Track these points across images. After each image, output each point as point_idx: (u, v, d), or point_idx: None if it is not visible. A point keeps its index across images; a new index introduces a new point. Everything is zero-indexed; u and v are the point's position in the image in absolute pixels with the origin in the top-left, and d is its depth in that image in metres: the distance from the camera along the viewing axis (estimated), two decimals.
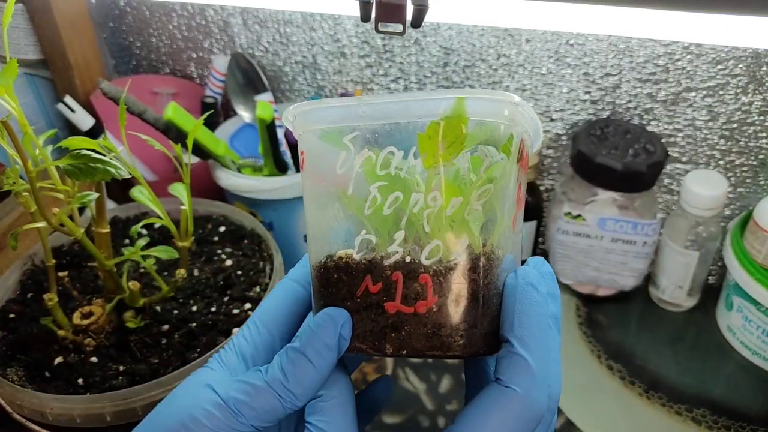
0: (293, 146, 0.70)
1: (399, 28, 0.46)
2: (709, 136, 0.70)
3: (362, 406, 0.37)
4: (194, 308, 0.53)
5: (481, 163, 0.30)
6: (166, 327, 0.51)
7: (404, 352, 0.30)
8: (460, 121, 0.29)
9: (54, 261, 0.48)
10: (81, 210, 0.51)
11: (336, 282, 0.31)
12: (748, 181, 0.71)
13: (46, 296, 0.48)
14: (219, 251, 0.60)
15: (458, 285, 0.29)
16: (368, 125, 0.31)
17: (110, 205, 0.76)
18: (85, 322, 0.49)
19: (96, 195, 0.45)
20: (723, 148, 0.70)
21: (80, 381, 0.47)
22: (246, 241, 0.61)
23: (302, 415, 0.35)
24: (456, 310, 0.29)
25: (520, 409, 0.27)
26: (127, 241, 0.61)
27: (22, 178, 0.43)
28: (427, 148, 0.30)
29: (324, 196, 0.33)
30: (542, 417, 0.28)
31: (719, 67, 0.65)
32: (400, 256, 0.30)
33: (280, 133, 0.72)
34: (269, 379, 0.30)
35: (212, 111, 0.70)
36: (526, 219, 0.73)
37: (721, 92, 0.67)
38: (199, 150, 0.68)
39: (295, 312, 0.35)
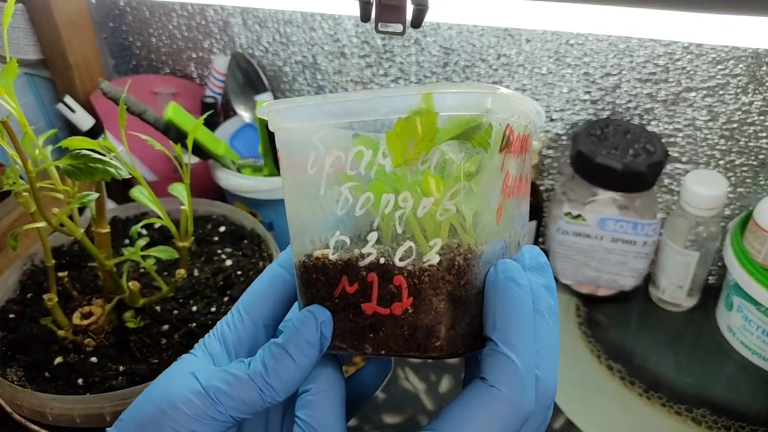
0: None
1: (399, 28, 0.46)
2: (709, 136, 0.70)
3: (356, 388, 0.36)
4: (194, 308, 0.53)
5: (452, 160, 0.28)
6: (166, 327, 0.51)
7: (383, 352, 0.30)
8: (429, 116, 0.28)
9: (54, 261, 0.48)
10: (81, 210, 0.51)
11: (315, 282, 0.31)
12: (748, 181, 0.71)
13: (45, 296, 0.47)
14: (219, 251, 0.60)
15: (433, 286, 0.28)
16: (336, 123, 0.30)
17: (110, 205, 0.76)
18: (85, 322, 0.49)
19: (96, 195, 0.45)
20: (723, 148, 0.70)
21: (80, 381, 0.47)
22: (246, 241, 0.61)
23: (288, 407, 0.35)
24: (432, 312, 0.28)
25: (506, 408, 0.27)
26: (127, 241, 0.60)
27: (22, 178, 0.43)
28: (395, 147, 0.28)
29: (300, 195, 0.32)
30: (529, 415, 0.28)
31: (719, 67, 0.65)
32: (375, 257, 0.29)
33: None
34: (251, 371, 0.30)
35: (212, 111, 0.70)
36: None
37: (721, 92, 0.67)
38: (199, 150, 0.68)
39: (280, 299, 0.34)
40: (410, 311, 0.29)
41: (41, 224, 0.43)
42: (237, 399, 0.30)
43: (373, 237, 0.29)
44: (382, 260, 0.29)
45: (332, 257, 0.30)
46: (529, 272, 0.30)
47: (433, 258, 0.28)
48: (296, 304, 0.35)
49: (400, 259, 0.29)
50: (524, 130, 0.33)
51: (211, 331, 0.35)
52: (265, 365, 0.30)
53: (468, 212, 0.29)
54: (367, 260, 0.29)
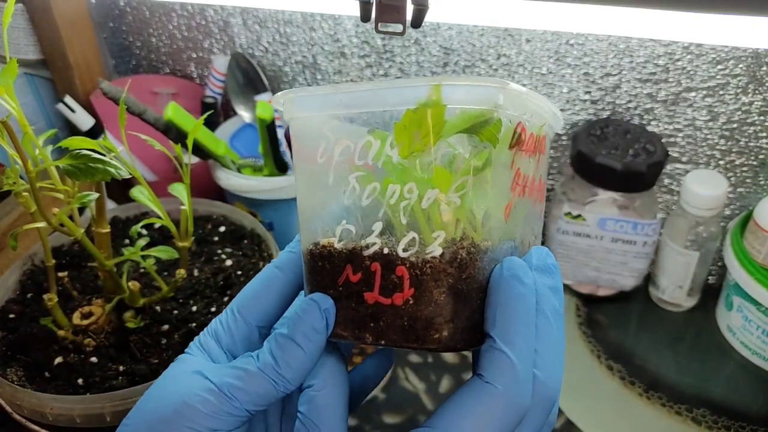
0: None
1: (399, 28, 0.46)
2: (709, 136, 0.70)
3: (357, 382, 0.36)
4: (194, 308, 0.53)
5: (460, 153, 0.28)
6: (166, 327, 0.51)
7: (382, 342, 0.30)
8: (437, 109, 0.28)
9: (54, 261, 0.48)
10: (81, 210, 0.51)
11: (320, 270, 0.31)
12: (748, 181, 0.71)
13: (46, 296, 0.47)
14: (219, 251, 0.60)
15: (434, 278, 0.28)
16: (346, 114, 0.30)
17: (110, 205, 0.76)
18: (85, 322, 0.49)
19: (96, 195, 0.45)
20: (723, 148, 0.70)
21: (80, 381, 0.47)
22: (246, 241, 0.61)
23: (286, 404, 0.35)
24: (432, 304, 0.29)
25: (500, 404, 0.27)
26: (127, 241, 0.60)
27: (22, 178, 0.43)
28: (402, 138, 0.29)
29: (310, 184, 0.33)
30: (524, 412, 0.28)
31: (719, 67, 0.65)
32: (379, 247, 0.30)
33: (280, 133, 0.72)
34: (261, 364, 0.30)
35: (212, 111, 0.70)
36: None
37: (721, 92, 0.67)
38: (199, 150, 0.68)
39: (274, 301, 0.35)
40: (411, 302, 0.29)
41: (41, 224, 0.43)
42: (251, 393, 0.30)
43: (377, 227, 0.30)
44: (385, 250, 0.29)
45: (338, 246, 0.31)
46: (536, 272, 0.30)
47: (435, 250, 0.28)
48: (296, 300, 0.35)
49: (404, 250, 0.29)
50: (539, 131, 0.32)
51: (205, 329, 0.35)
52: (274, 356, 0.30)
53: (474, 207, 0.29)
54: (372, 250, 0.30)
